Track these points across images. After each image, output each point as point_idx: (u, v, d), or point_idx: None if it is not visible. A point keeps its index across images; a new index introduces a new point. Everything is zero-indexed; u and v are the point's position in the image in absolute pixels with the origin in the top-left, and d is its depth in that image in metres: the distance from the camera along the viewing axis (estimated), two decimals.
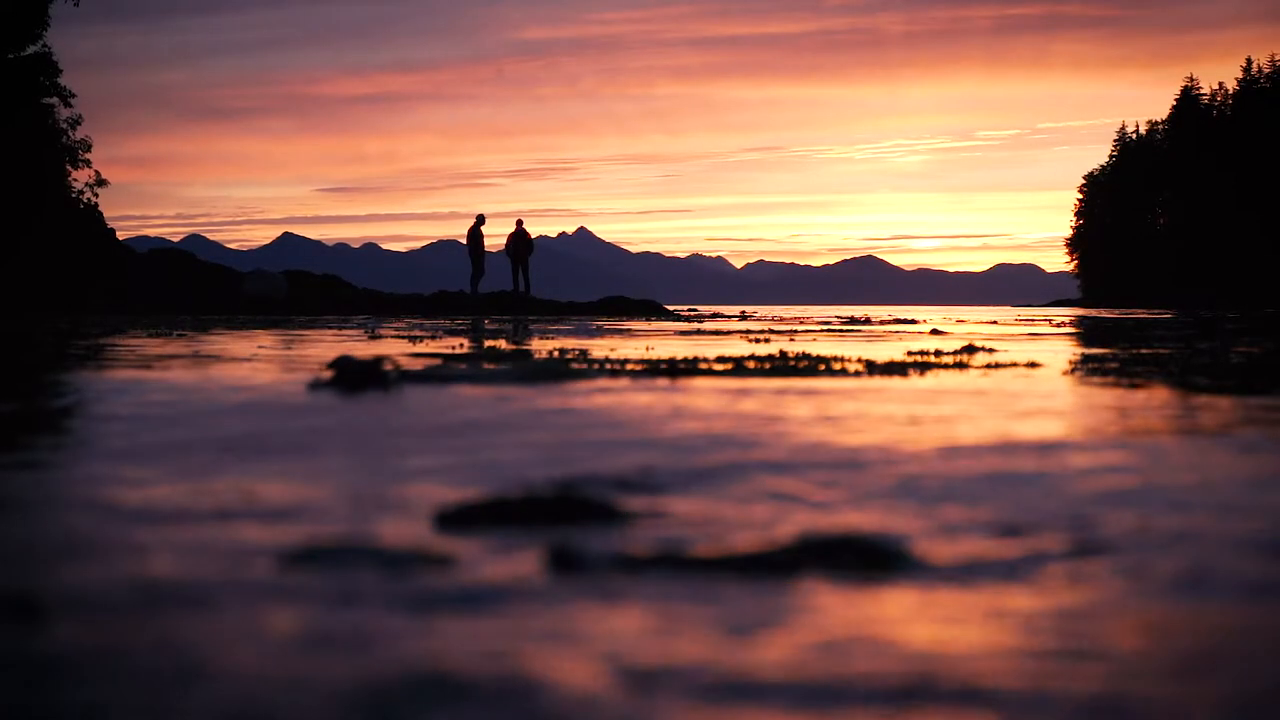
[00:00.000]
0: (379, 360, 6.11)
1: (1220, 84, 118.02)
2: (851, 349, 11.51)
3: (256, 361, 9.20)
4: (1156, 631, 1.82)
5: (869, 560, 2.23)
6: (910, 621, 1.87)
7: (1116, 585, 2.09)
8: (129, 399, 5.71)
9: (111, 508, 2.85)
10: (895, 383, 7.03)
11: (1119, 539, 2.44)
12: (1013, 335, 17.44)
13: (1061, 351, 11.57)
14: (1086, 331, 20.01)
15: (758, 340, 15.22)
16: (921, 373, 7.94)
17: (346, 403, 5.37)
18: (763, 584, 2.08)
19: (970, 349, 11.16)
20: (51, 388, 6.84)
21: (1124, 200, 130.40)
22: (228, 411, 4.96)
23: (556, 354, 10.09)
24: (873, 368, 8.17)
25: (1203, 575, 2.16)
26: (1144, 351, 10.91)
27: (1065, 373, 8.17)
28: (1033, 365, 8.84)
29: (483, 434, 4.22)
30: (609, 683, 1.58)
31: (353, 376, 5.77)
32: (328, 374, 6.21)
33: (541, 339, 14.69)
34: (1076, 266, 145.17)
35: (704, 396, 5.89)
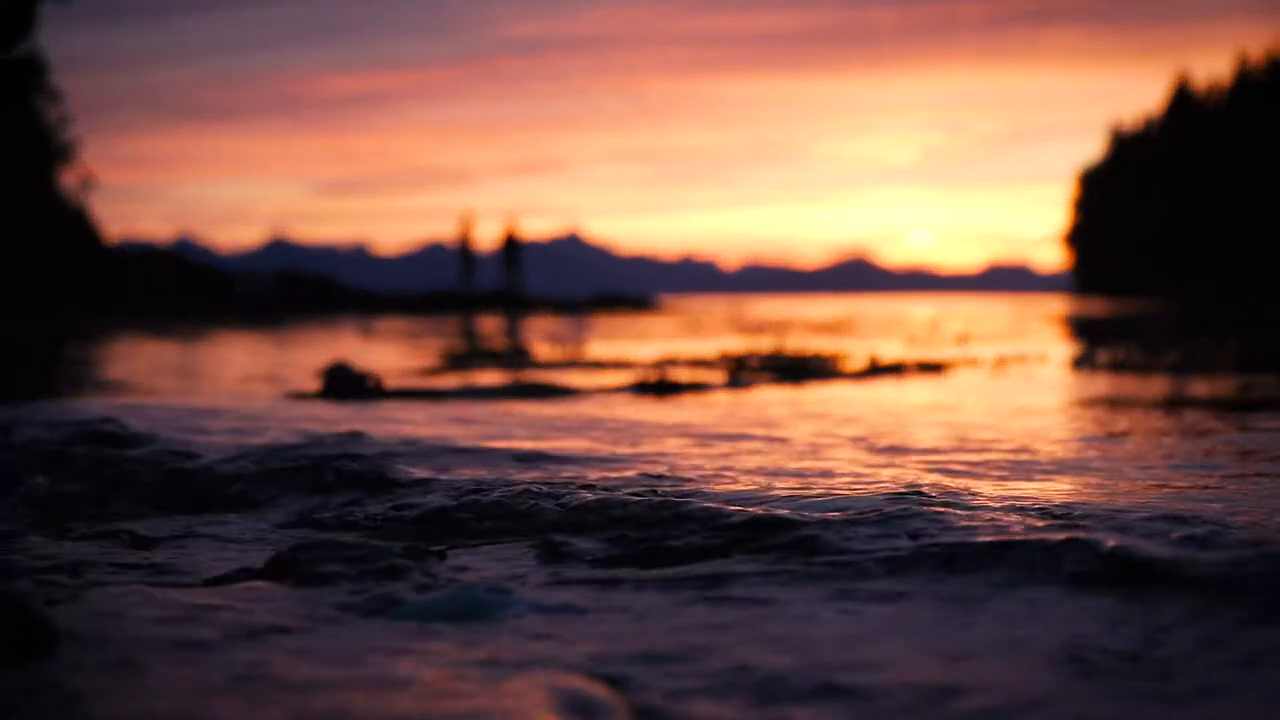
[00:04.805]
0: (364, 375, 5.97)
1: (1215, 78, 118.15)
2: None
3: (242, 372, 9.04)
4: None
5: None
6: None
7: None
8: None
9: None
10: None
11: None
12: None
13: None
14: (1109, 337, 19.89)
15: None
16: None
17: (334, 412, 5.23)
18: None
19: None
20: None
21: (1119, 194, 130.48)
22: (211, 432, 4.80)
23: (555, 358, 9.95)
24: None
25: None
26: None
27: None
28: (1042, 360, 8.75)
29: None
30: None
31: (341, 389, 5.63)
32: (317, 386, 6.07)
33: (535, 340, 14.55)
34: (1072, 261, 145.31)
35: (684, 404, 5.74)
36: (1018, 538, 2.26)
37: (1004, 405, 5.63)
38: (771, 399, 5.96)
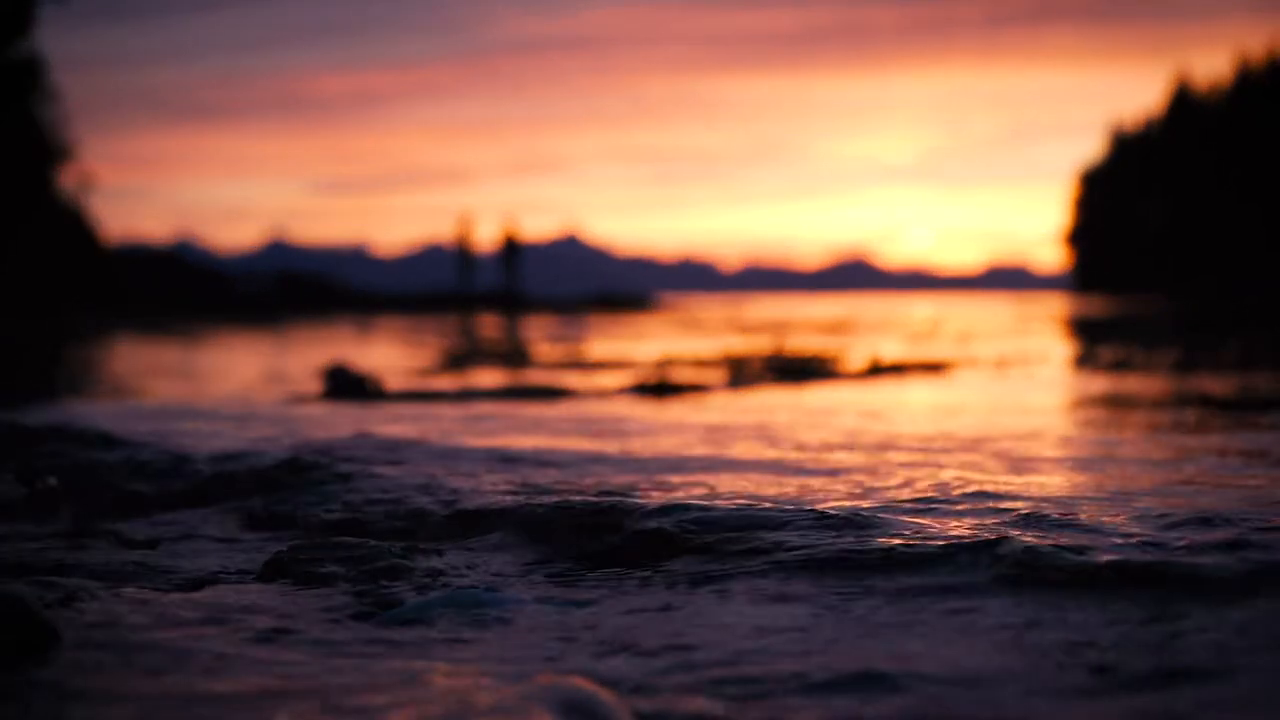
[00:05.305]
0: (364, 376, 5.98)
1: (1215, 78, 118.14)
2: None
3: (242, 373, 9.05)
4: None
5: None
6: None
7: None
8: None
9: None
10: None
11: None
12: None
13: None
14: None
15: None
16: None
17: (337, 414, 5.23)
18: None
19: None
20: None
21: (1119, 194, 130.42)
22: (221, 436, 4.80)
23: (555, 358, 9.94)
24: None
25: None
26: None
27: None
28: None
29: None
30: None
31: (341, 390, 5.64)
32: (317, 387, 6.08)
33: (534, 340, 14.55)
34: (1072, 261, 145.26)
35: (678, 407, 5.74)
36: (1016, 536, 2.26)
37: (1004, 405, 5.63)
38: (772, 400, 5.97)
